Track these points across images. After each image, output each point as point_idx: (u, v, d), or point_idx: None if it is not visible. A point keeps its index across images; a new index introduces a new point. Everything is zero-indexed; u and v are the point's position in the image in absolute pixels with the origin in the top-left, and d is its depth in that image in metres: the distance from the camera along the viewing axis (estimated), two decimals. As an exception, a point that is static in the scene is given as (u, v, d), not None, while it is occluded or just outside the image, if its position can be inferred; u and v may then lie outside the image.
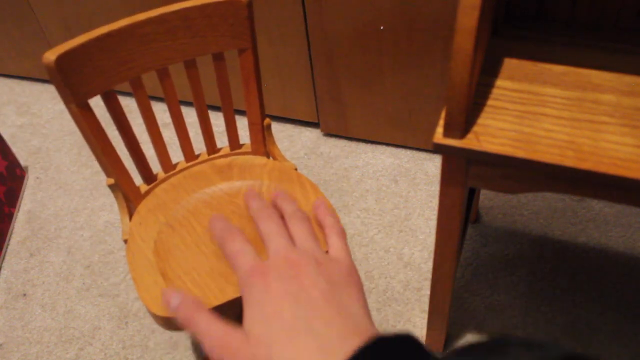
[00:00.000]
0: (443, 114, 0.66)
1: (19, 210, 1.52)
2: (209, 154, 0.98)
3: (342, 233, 0.56)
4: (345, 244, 0.55)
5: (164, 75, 0.86)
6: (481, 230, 1.32)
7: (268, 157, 1.00)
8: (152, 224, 0.82)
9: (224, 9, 0.83)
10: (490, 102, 0.72)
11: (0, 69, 2.04)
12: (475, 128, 0.68)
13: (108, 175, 0.84)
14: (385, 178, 1.49)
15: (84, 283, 1.31)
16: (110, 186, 0.84)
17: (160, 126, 1.71)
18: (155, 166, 1.02)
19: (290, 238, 0.50)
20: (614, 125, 0.66)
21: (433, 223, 1.35)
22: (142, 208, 0.86)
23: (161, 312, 0.69)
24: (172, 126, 0.96)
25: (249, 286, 0.42)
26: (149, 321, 1.21)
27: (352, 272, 0.46)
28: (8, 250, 1.41)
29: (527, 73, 0.76)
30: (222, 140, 1.65)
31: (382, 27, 1.30)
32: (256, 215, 0.58)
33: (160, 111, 1.74)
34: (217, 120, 1.70)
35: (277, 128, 1.69)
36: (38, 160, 1.68)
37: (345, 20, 1.32)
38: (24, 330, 1.22)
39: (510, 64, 0.78)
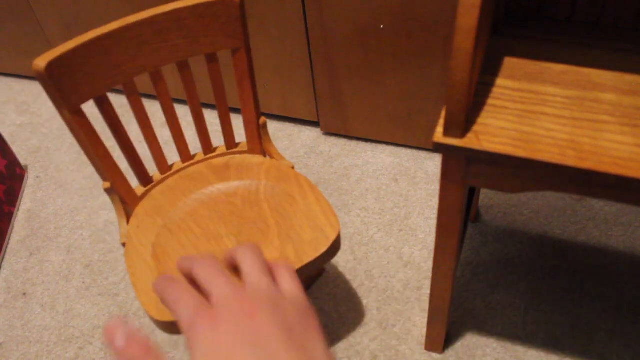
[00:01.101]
0: (443, 113, 0.66)
1: (18, 209, 1.52)
2: (205, 154, 0.97)
3: (291, 267, 0.48)
4: (296, 278, 0.47)
5: (157, 78, 0.85)
6: (481, 230, 1.32)
7: (265, 155, 0.99)
8: (150, 227, 0.81)
9: (216, 9, 0.82)
10: (490, 101, 0.71)
11: (0, 68, 2.04)
12: (476, 127, 0.68)
13: (104, 179, 0.83)
14: (385, 177, 1.48)
15: (83, 282, 1.31)
16: (107, 190, 0.83)
17: (159, 125, 1.71)
18: (151, 167, 1.01)
19: (237, 277, 0.43)
20: (614, 125, 0.66)
21: (433, 222, 1.35)
22: (140, 211, 0.85)
23: (160, 317, 0.68)
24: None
25: (195, 333, 0.35)
26: (149, 321, 1.21)
27: (309, 311, 0.41)
28: (8, 250, 1.41)
29: (528, 72, 0.76)
30: (219, 138, 1.64)
31: (382, 27, 1.30)
32: (189, 265, 0.48)
33: (158, 110, 1.74)
34: (214, 120, 1.70)
35: (277, 127, 1.69)
36: (38, 159, 1.68)
37: (345, 20, 1.32)
38: (23, 329, 1.22)
39: (510, 63, 0.78)
